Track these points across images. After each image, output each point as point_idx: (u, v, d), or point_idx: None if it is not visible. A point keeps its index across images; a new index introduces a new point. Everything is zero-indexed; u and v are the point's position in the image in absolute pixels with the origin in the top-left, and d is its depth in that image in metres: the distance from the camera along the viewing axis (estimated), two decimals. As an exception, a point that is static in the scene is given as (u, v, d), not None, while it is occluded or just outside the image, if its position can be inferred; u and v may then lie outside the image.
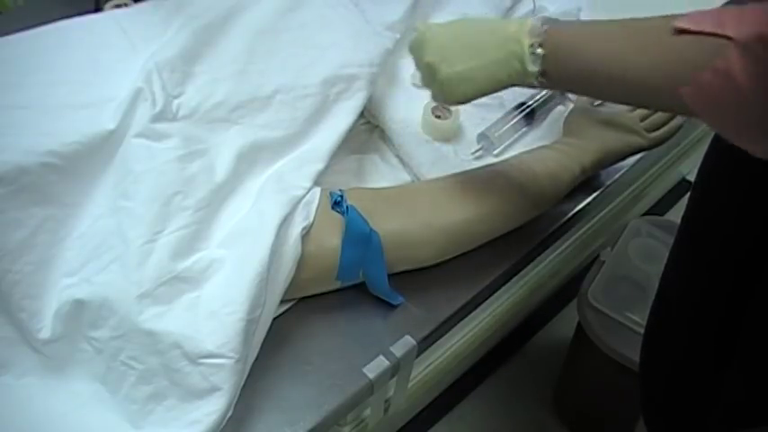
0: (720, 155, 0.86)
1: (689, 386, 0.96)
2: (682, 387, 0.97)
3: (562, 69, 0.72)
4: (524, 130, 1.07)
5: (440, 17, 1.19)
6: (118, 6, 1.07)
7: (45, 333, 0.78)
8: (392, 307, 0.88)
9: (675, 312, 0.96)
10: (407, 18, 1.11)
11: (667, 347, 0.99)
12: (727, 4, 0.81)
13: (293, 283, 0.83)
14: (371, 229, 0.84)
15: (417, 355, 0.88)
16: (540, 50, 0.73)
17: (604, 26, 0.70)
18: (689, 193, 0.93)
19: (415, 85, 1.10)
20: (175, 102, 0.87)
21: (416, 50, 0.84)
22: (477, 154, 1.03)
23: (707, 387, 0.94)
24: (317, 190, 0.88)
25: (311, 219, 0.85)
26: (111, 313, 0.76)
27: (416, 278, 0.90)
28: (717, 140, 0.87)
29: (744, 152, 0.73)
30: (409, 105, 1.06)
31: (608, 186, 1.04)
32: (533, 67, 0.74)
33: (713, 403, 0.92)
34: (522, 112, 1.06)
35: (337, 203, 0.86)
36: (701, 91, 0.61)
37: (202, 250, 0.81)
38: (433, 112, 1.04)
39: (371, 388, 0.83)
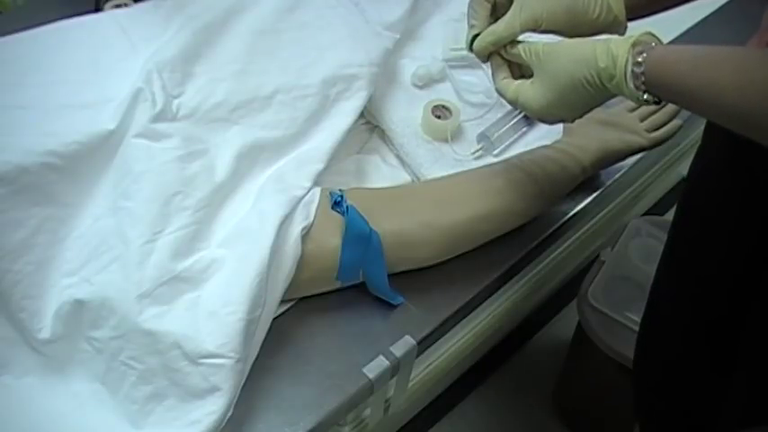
0: (710, 169, 0.86)
1: (682, 390, 0.96)
2: (674, 391, 0.97)
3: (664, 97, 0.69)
4: (524, 130, 1.06)
5: (440, 17, 1.19)
6: (118, 6, 1.07)
7: (45, 333, 0.78)
8: (392, 307, 0.88)
9: (667, 320, 0.96)
10: (407, 18, 1.11)
11: (659, 352, 0.99)
12: None
13: (293, 283, 0.83)
14: (371, 229, 0.84)
15: (417, 355, 0.88)
16: (645, 97, 0.68)
17: (712, 59, 0.64)
18: (675, 206, 0.93)
19: (414, 85, 1.10)
20: (175, 102, 0.87)
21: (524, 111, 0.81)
22: (477, 154, 1.03)
23: (701, 391, 0.94)
24: (317, 190, 0.88)
25: (311, 219, 0.85)
26: (111, 313, 0.76)
27: (416, 278, 0.90)
28: (703, 155, 0.87)
29: (736, 165, 0.73)
30: (409, 105, 1.06)
31: (608, 186, 1.04)
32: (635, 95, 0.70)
33: (709, 407, 0.92)
34: (522, 112, 1.06)
35: (337, 203, 0.86)
36: None
37: (202, 250, 0.81)
38: (432, 112, 1.04)
39: (371, 388, 0.83)
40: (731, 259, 0.84)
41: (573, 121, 0.79)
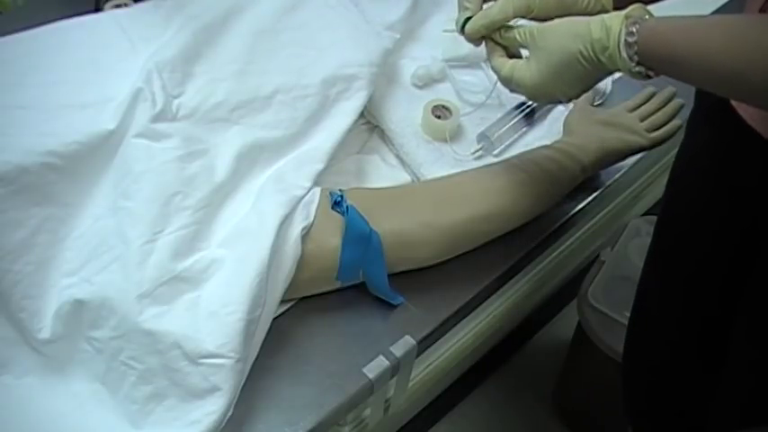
0: (694, 167, 0.85)
1: (671, 390, 0.96)
2: (664, 391, 0.97)
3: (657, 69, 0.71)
4: (524, 130, 1.07)
5: (440, 17, 1.19)
6: (118, 6, 1.07)
7: (45, 333, 0.78)
8: (392, 307, 0.88)
9: (654, 320, 0.96)
10: (407, 18, 1.11)
11: (647, 352, 0.99)
12: None
13: (293, 283, 0.83)
14: (371, 229, 0.84)
15: (417, 355, 0.88)
16: (637, 68, 0.70)
17: (702, 26, 0.66)
18: (660, 208, 0.93)
19: (414, 85, 1.10)
20: (175, 102, 0.87)
21: (518, 90, 0.81)
22: (477, 154, 1.03)
23: (691, 391, 0.93)
24: (317, 190, 0.88)
25: (311, 219, 0.85)
26: (111, 313, 0.76)
27: (416, 278, 0.90)
28: (686, 152, 0.87)
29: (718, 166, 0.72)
30: (409, 105, 1.06)
31: (608, 186, 1.04)
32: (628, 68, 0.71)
33: (700, 406, 0.92)
34: (522, 111, 1.06)
35: (337, 203, 0.86)
36: None
37: (202, 250, 0.81)
38: (432, 112, 1.04)
39: (371, 388, 0.83)
40: (716, 257, 0.84)
41: (569, 101, 0.80)
